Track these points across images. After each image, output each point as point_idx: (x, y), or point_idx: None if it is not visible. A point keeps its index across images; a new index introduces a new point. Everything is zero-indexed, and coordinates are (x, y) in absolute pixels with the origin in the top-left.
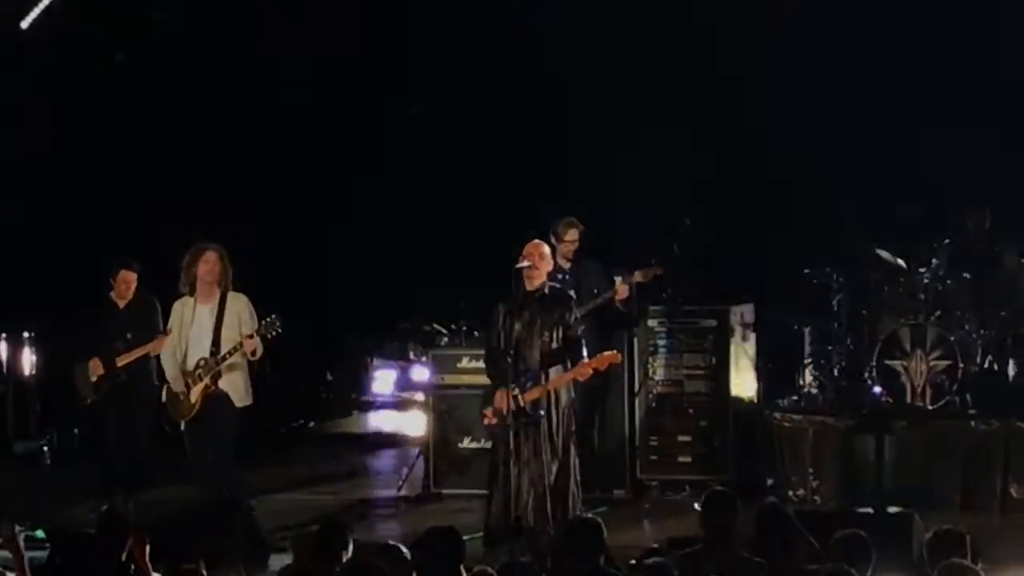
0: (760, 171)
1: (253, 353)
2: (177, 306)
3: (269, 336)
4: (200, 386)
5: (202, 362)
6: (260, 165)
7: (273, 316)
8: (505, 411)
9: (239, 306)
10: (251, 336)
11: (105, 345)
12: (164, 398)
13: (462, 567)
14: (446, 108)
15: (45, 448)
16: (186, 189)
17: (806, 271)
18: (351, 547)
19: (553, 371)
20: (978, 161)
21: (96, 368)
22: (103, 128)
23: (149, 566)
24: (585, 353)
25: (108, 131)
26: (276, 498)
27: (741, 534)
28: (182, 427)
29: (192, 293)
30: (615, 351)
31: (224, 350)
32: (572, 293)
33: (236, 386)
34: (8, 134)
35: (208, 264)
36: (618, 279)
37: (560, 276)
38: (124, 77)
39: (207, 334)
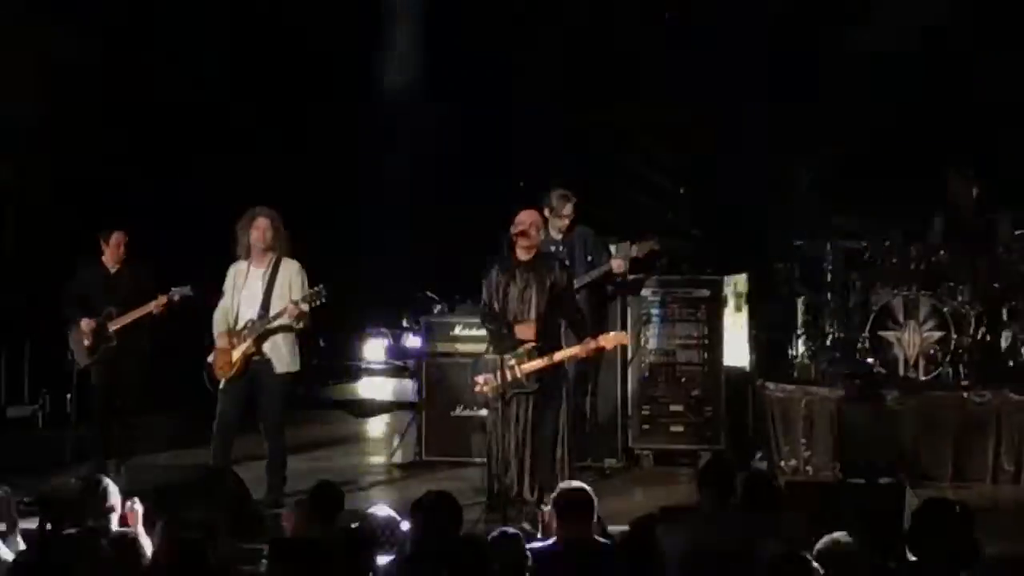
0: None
1: (298, 320)
2: (231, 270)
3: (314, 305)
4: (243, 346)
5: (249, 323)
6: (259, 133)
7: (321, 286)
8: (501, 379)
9: (291, 272)
10: (295, 303)
11: (97, 310)
12: (211, 358)
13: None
14: (445, 87)
15: (38, 413)
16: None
17: (798, 243)
18: (342, 510)
19: (551, 342)
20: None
21: (89, 326)
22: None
23: (142, 532)
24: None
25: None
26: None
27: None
28: (221, 385)
29: (247, 257)
30: (622, 332)
31: (271, 313)
32: (566, 263)
33: (279, 351)
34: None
35: (259, 231)
36: (615, 252)
37: (553, 248)
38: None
39: (257, 298)
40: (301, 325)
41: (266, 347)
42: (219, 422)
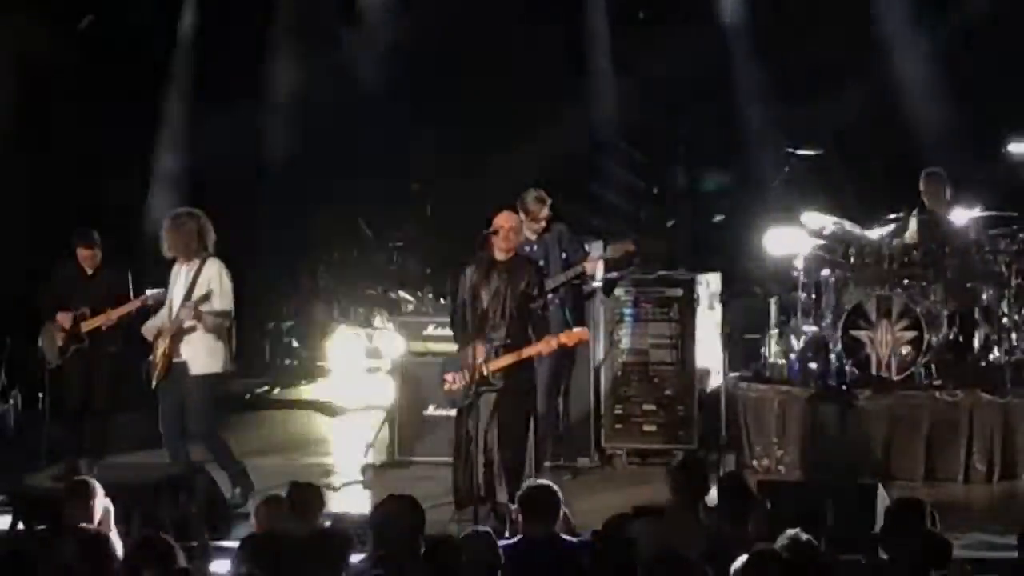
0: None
1: (198, 320)
2: (174, 268)
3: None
4: (161, 347)
5: (165, 325)
6: (234, 134)
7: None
8: (470, 377)
9: (212, 272)
10: (187, 305)
11: (71, 310)
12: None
13: (421, 536)
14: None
15: (10, 411)
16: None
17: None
18: (324, 508)
19: (521, 341)
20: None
21: (63, 321)
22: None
23: (113, 530)
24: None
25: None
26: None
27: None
28: (154, 386)
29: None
30: (584, 329)
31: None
32: (541, 262)
33: (194, 352)
34: None
35: (165, 231)
36: (591, 252)
37: (528, 248)
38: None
39: (178, 299)
40: (207, 325)
41: (183, 348)
42: (160, 423)
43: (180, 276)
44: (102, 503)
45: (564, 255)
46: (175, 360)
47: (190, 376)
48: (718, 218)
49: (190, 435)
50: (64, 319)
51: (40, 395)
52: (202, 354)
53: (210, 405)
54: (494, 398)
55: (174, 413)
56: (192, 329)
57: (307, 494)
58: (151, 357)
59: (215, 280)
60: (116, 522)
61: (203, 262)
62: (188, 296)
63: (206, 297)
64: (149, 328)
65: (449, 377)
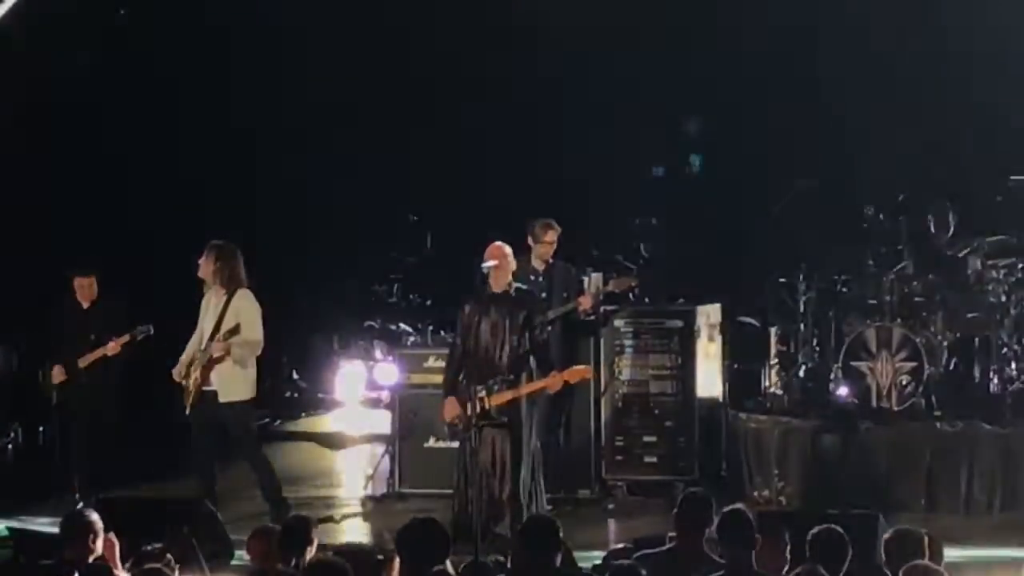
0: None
1: (225, 352)
2: (206, 297)
3: (137, 340)
4: (193, 376)
5: (197, 355)
6: (237, 166)
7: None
8: (459, 417)
9: (241, 304)
10: (217, 339)
11: (69, 345)
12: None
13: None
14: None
15: (10, 445)
16: (160, 192)
17: (772, 273)
18: (315, 545)
19: (523, 376)
20: (942, 163)
21: (58, 375)
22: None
23: (119, 565)
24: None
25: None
26: (241, 497)
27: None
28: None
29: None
30: (587, 367)
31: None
32: (543, 295)
33: (223, 381)
34: None
35: (202, 263)
36: (589, 286)
37: (533, 278)
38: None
39: (208, 328)
40: (236, 356)
41: (213, 376)
42: (191, 448)
43: (210, 306)
44: (103, 537)
45: (565, 294)
46: (206, 389)
47: (221, 405)
48: None
49: (241, 457)
50: (58, 373)
51: (41, 428)
52: (231, 382)
53: (248, 430)
54: (495, 431)
55: (204, 439)
56: (222, 359)
57: (298, 527)
58: (185, 385)
59: (244, 311)
60: (119, 555)
61: (233, 293)
62: (218, 327)
63: (236, 329)
64: (181, 364)
65: (449, 410)
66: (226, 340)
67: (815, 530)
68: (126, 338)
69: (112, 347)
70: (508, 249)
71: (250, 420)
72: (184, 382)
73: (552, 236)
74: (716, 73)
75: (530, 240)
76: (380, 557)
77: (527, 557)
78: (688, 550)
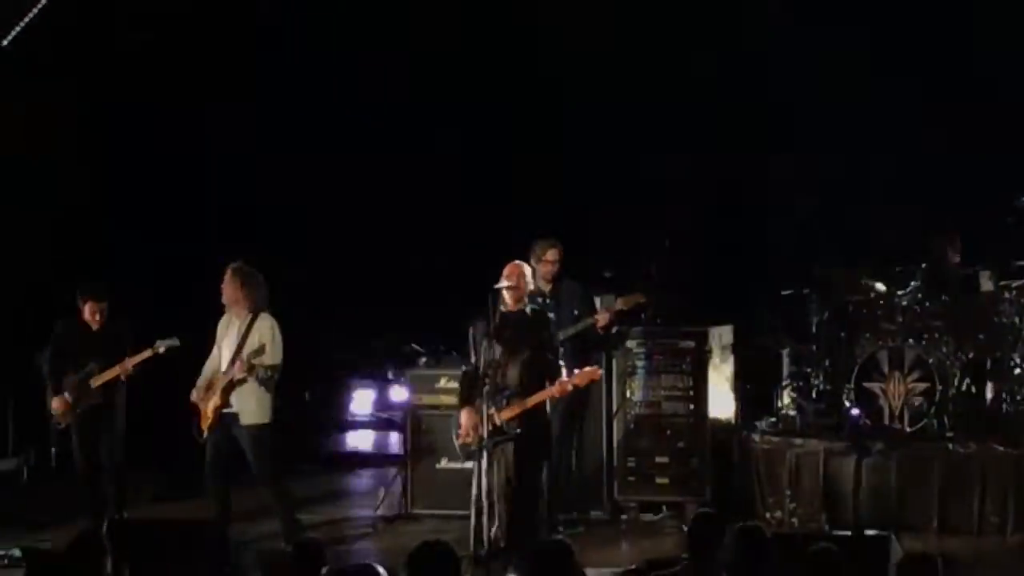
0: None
1: (250, 372)
2: (222, 320)
3: (160, 351)
4: (213, 399)
5: (219, 376)
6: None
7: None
8: (475, 431)
9: (263, 327)
10: (242, 359)
11: (79, 366)
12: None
13: None
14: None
15: (23, 467)
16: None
17: (784, 292)
18: (326, 568)
19: (532, 389)
20: (952, 184)
21: (61, 405)
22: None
23: None
24: (564, 372)
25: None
26: (251, 518)
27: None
28: (204, 436)
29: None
30: (594, 368)
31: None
32: (552, 316)
33: (244, 403)
34: None
35: (224, 285)
36: (599, 305)
37: (540, 299)
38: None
39: (228, 350)
40: (259, 378)
41: (233, 399)
42: (206, 473)
43: (232, 328)
44: (112, 560)
45: (576, 312)
46: (225, 411)
47: (242, 427)
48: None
49: (258, 482)
50: (60, 404)
51: (52, 451)
52: (251, 405)
53: (268, 453)
54: (510, 447)
55: (220, 463)
56: (243, 382)
57: (309, 549)
58: (203, 408)
59: (267, 334)
60: None
61: (255, 316)
62: (239, 349)
63: (258, 352)
64: (199, 387)
65: (463, 429)
66: (250, 362)
67: (812, 548)
68: (147, 353)
69: (137, 360)
70: (527, 268)
71: (270, 443)
72: (201, 404)
73: (554, 255)
74: None
75: (532, 260)
76: None
77: None
78: (701, 571)
